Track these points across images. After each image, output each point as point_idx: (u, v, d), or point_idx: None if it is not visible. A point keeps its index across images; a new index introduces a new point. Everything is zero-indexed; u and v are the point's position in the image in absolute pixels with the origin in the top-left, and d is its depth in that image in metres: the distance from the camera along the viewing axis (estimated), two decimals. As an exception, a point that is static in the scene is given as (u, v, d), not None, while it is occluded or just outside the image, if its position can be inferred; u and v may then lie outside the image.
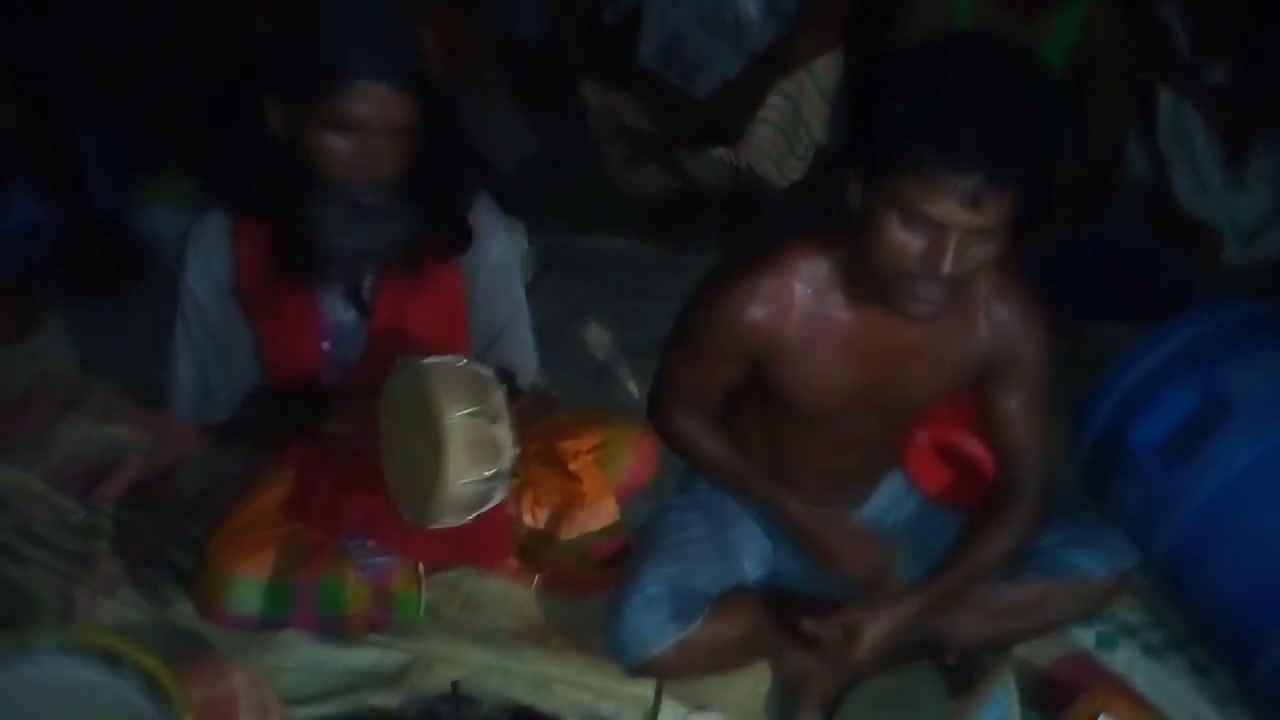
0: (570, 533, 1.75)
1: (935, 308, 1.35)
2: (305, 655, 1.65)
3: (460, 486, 1.39)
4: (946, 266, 1.28)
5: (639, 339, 2.31)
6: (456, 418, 1.37)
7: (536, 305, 1.85)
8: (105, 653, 1.36)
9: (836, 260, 1.45)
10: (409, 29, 1.51)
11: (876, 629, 1.48)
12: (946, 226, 1.27)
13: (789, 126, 2.45)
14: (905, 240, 1.30)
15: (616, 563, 1.73)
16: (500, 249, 1.70)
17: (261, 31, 1.53)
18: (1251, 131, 2.62)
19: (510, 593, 1.79)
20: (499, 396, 1.42)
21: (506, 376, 1.73)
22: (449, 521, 1.44)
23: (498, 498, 1.45)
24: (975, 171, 1.23)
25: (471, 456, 1.39)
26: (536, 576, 1.79)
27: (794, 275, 1.45)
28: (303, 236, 1.51)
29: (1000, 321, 1.48)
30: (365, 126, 1.44)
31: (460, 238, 1.62)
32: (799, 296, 1.45)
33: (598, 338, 2.39)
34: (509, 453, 1.42)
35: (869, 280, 1.40)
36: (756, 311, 1.45)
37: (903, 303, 1.36)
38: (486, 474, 1.40)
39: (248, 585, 1.61)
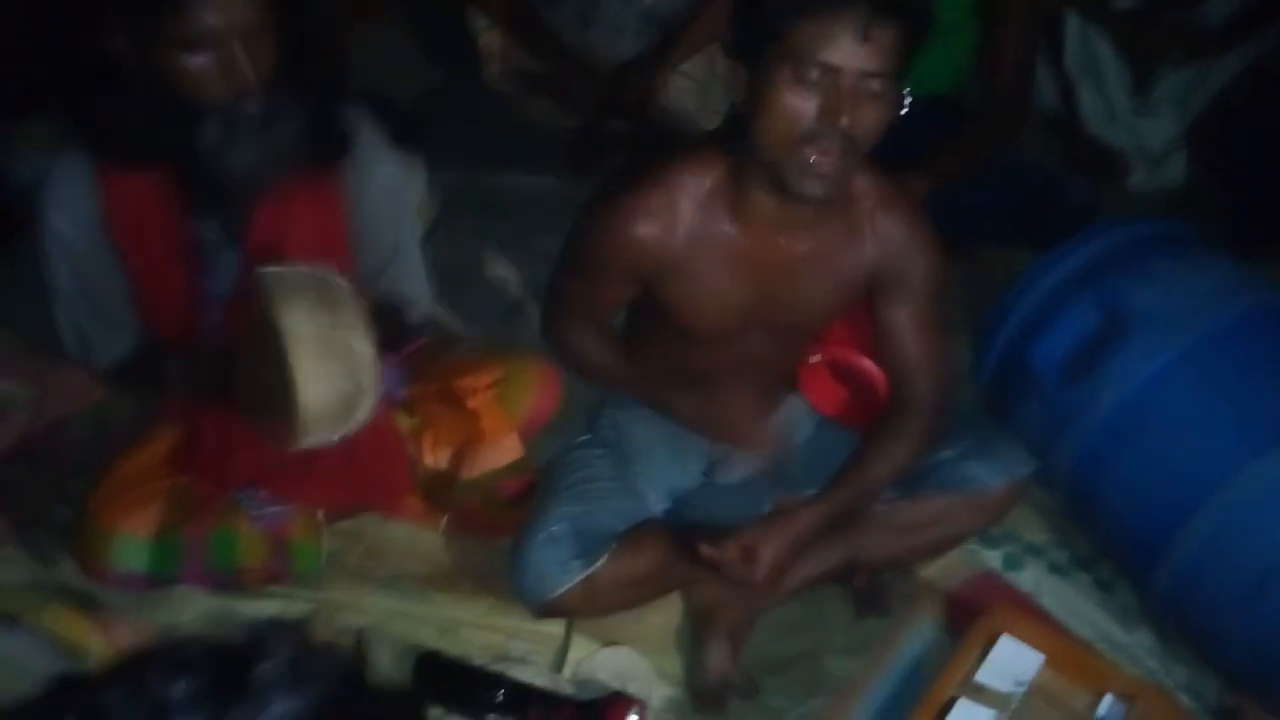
0: (473, 471, 1.71)
1: (830, 183, 1.35)
2: (202, 609, 1.59)
3: (313, 390, 1.32)
4: (843, 117, 1.29)
5: (547, 278, 2.26)
6: (291, 316, 1.31)
7: (442, 245, 1.81)
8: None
9: (723, 174, 1.44)
10: None
11: (773, 546, 1.49)
12: (840, 72, 1.28)
13: (704, 80, 2.43)
14: (799, 102, 1.31)
15: (524, 502, 1.70)
16: (387, 173, 1.60)
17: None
18: (1158, 56, 2.64)
19: (416, 538, 1.76)
20: (342, 290, 1.36)
21: (397, 310, 1.67)
22: (317, 437, 1.37)
23: (366, 405, 1.38)
24: (863, 2, 1.25)
25: (315, 355, 1.32)
26: (444, 519, 1.76)
27: (679, 190, 1.44)
28: (199, 167, 1.42)
29: (886, 234, 1.48)
30: (219, 35, 1.34)
31: (335, 140, 1.52)
32: (685, 212, 1.44)
33: (506, 277, 2.34)
34: (361, 348, 1.36)
35: (761, 171, 1.38)
36: (642, 228, 1.44)
37: (798, 179, 1.35)
38: (339, 373, 1.34)
39: (131, 543, 1.55)
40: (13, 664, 1.35)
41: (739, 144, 1.39)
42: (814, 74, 1.29)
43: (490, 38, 2.48)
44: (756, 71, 1.33)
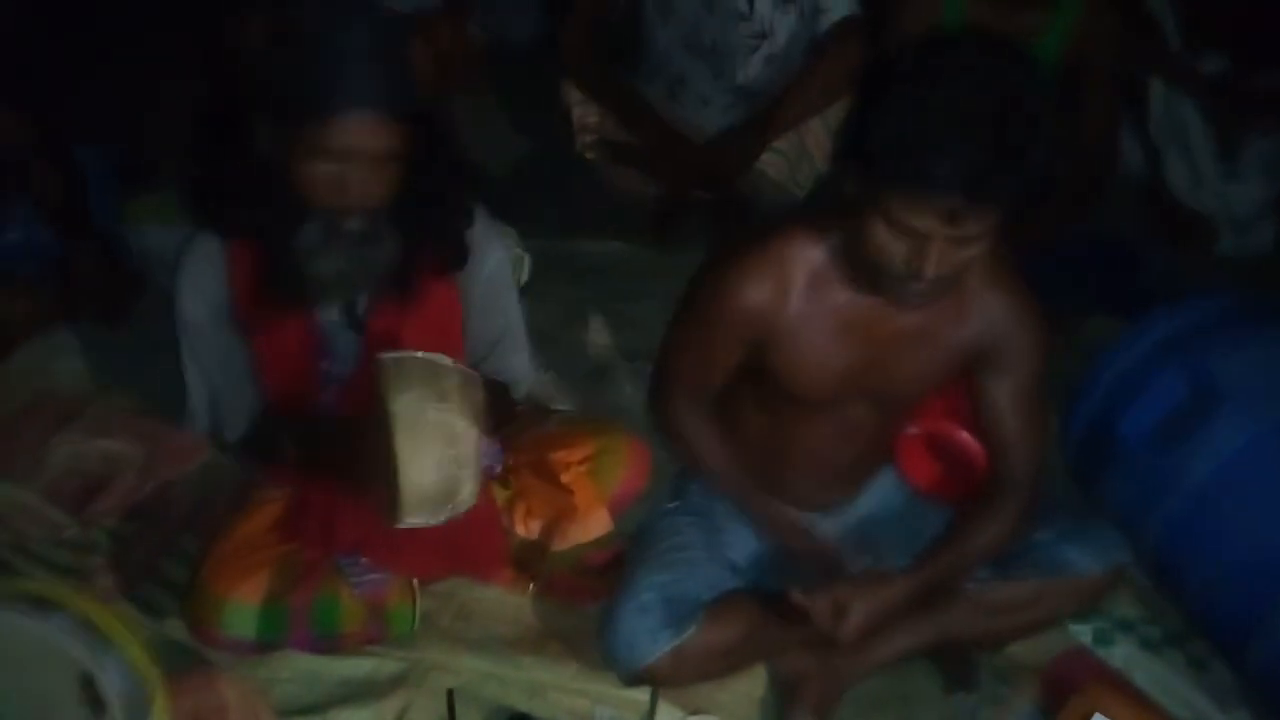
0: (563, 544, 1.74)
1: (924, 298, 1.39)
2: (300, 667, 1.64)
3: (417, 473, 1.37)
4: (928, 271, 1.31)
5: (634, 342, 2.30)
6: (401, 402, 1.37)
7: (531, 310, 1.86)
8: (39, 600, 1.34)
9: (831, 245, 1.46)
10: (404, 58, 1.49)
11: (864, 606, 1.49)
12: (928, 236, 1.29)
13: (793, 155, 2.48)
14: (889, 244, 1.33)
15: (611, 571, 1.73)
16: (495, 262, 1.69)
17: (251, 52, 1.51)
18: (1245, 122, 2.62)
19: (505, 601, 1.79)
20: (452, 381, 1.41)
21: (503, 389, 1.73)
22: (420, 518, 1.42)
23: (468, 491, 1.43)
24: (954, 193, 1.25)
25: (422, 440, 1.37)
26: (531, 585, 1.79)
27: (789, 258, 1.47)
28: (288, 262, 1.51)
29: (992, 311, 1.49)
30: (351, 156, 1.42)
31: (454, 257, 1.61)
32: (794, 279, 1.47)
33: (593, 341, 2.39)
34: (467, 436, 1.40)
35: (861, 268, 1.42)
36: (753, 293, 1.47)
37: (892, 294, 1.39)
38: (444, 459, 1.38)
39: (241, 610, 1.60)
40: (48, 651, 1.31)
41: (845, 226, 1.41)
42: (902, 230, 1.30)
43: (583, 111, 2.54)
44: (860, 190, 1.33)
